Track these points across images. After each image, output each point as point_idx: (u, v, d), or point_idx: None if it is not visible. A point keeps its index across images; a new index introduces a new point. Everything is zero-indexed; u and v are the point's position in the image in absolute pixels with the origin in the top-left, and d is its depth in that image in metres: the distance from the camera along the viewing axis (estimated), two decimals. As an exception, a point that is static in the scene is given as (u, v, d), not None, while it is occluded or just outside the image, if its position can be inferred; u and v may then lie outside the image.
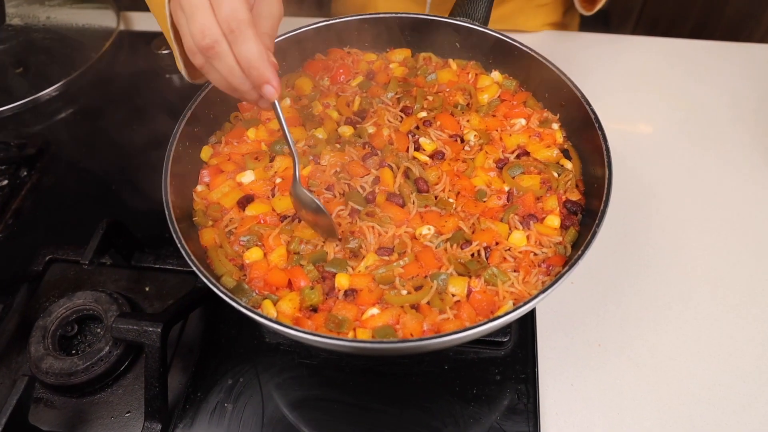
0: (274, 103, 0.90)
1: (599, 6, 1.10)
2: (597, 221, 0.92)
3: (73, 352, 1.14)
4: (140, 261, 1.27)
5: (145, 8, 1.87)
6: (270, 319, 0.84)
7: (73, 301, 1.17)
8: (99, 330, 1.18)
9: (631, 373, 1.07)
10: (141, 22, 1.88)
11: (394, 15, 1.26)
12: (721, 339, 1.10)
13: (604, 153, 0.99)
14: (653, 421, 1.02)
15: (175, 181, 1.02)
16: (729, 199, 1.32)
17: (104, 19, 1.84)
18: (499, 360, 1.11)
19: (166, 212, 0.96)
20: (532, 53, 1.18)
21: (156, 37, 1.72)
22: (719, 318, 1.13)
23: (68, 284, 1.26)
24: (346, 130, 1.17)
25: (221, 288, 0.86)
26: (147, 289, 1.25)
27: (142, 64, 1.74)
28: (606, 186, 0.95)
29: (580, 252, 0.89)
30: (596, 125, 1.04)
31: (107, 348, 1.11)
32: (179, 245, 0.92)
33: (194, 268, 0.90)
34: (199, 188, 1.11)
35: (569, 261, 0.96)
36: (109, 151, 1.53)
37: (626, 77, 1.60)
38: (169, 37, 0.99)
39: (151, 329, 1.04)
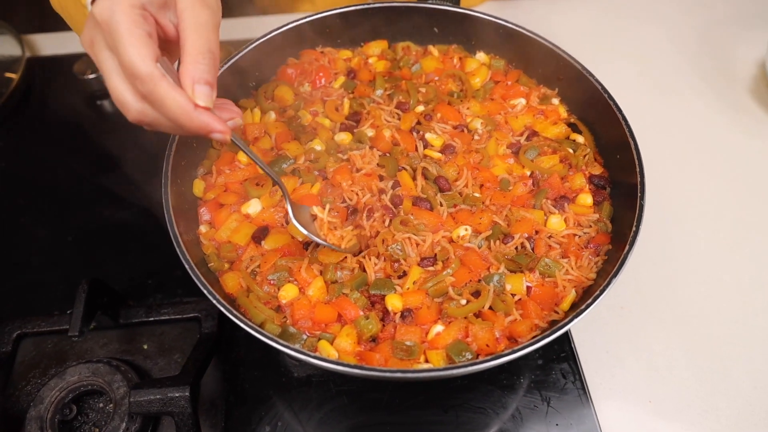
0: (232, 140, 0.79)
1: None
2: (639, 194, 0.91)
3: (80, 437, 1.00)
4: (129, 317, 1.12)
5: (52, 27, 1.68)
6: (339, 363, 0.76)
7: (66, 380, 1.02)
8: (102, 405, 1.04)
9: (657, 328, 1.09)
10: (50, 44, 1.65)
11: (363, 6, 1.17)
12: (733, 280, 1.15)
13: (624, 127, 0.98)
14: (688, 369, 1.05)
15: (180, 226, 0.90)
16: (698, 140, 1.38)
17: (4, 47, 1.60)
18: (536, 343, 1.09)
19: (186, 264, 0.84)
20: (515, 28, 1.14)
21: (77, 60, 1.51)
22: (730, 260, 1.18)
23: (49, 360, 1.10)
24: (344, 138, 1.08)
25: (279, 341, 0.77)
26: (145, 347, 1.11)
27: (66, 92, 1.53)
28: (636, 160, 0.94)
29: (634, 229, 0.88)
30: (605, 95, 1.03)
31: (124, 425, 0.98)
32: (215, 300, 0.81)
33: (242, 324, 0.80)
34: (202, 229, 0.98)
35: (616, 238, 0.95)
36: (54, 198, 1.34)
37: (572, 37, 1.61)
38: None
39: (178, 395, 0.92)
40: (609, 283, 0.83)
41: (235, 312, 0.80)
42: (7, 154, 1.43)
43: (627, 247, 0.86)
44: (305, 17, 1.15)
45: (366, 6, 1.17)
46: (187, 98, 0.68)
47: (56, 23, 1.72)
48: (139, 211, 1.26)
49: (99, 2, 0.67)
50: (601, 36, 1.61)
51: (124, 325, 1.12)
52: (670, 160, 1.32)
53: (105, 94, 1.52)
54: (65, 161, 1.39)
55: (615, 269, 0.83)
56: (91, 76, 1.50)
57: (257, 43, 1.12)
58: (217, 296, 0.81)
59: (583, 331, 1.09)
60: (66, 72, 1.51)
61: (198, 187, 1.02)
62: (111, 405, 1.00)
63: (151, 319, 1.12)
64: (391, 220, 0.97)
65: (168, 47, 0.75)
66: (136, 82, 0.67)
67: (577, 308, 0.83)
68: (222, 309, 0.80)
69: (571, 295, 0.90)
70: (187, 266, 0.84)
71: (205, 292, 0.82)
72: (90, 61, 1.52)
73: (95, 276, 1.07)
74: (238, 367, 1.08)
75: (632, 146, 0.97)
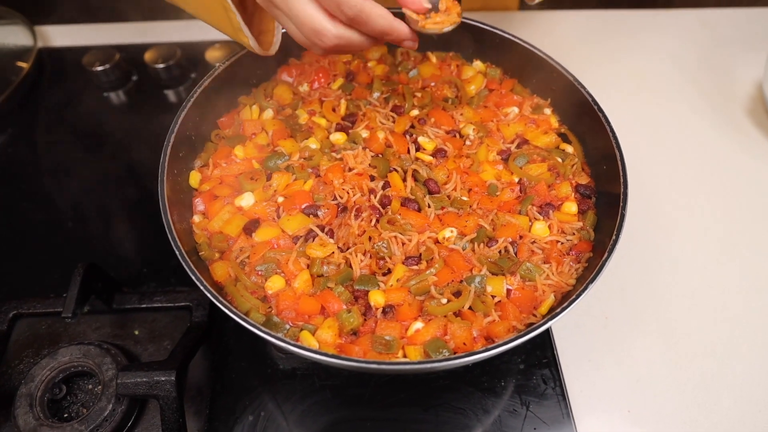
0: None
1: None
2: (621, 204, 0.93)
3: (65, 415, 1.02)
4: (122, 303, 1.15)
5: (63, 20, 1.73)
6: (319, 352, 0.78)
7: (57, 360, 1.05)
8: (91, 386, 1.06)
9: (640, 339, 1.11)
10: (61, 36, 1.69)
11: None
12: (719, 294, 1.16)
13: (611, 138, 1.01)
14: (669, 380, 1.06)
15: (174, 215, 0.93)
16: (694, 156, 1.39)
17: (17, 37, 1.64)
18: (520, 348, 1.11)
19: (177, 252, 0.87)
20: (513, 39, 1.17)
21: (87, 52, 1.55)
22: (716, 274, 1.19)
23: (42, 341, 1.13)
24: (339, 138, 1.11)
25: (262, 328, 0.79)
26: (136, 332, 1.14)
27: (74, 83, 1.57)
28: (621, 171, 0.97)
29: (614, 237, 0.90)
30: (595, 107, 1.06)
31: (110, 406, 1.00)
32: (202, 286, 0.84)
33: (226, 311, 0.82)
34: (196, 219, 1.01)
35: (597, 246, 0.97)
36: (57, 185, 1.38)
37: (568, 52, 1.63)
38: (224, 20, 0.92)
39: (164, 378, 0.95)
40: (585, 288, 0.85)
41: (221, 299, 0.82)
42: (14, 140, 1.47)
43: (606, 254, 0.88)
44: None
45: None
46: (385, 9, 0.77)
47: (69, 15, 1.77)
48: (141, 200, 1.30)
49: None
50: (601, 49, 1.63)
51: (117, 311, 1.15)
52: (661, 173, 1.34)
53: (112, 86, 1.57)
54: (69, 150, 1.43)
55: (592, 275, 0.85)
56: (100, 69, 1.54)
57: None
58: (206, 283, 0.83)
59: (566, 338, 1.11)
60: (76, 63, 1.55)
61: (194, 178, 1.05)
62: (99, 387, 1.03)
63: (144, 306, 1.14)
64: (378, 220, 0.99)
65: None
66: (343, 8, 0.74)
67: (554, 311, 0.85)
68: (209, 295, 0.83)
69: (549, 300, 0.92)
70: (178, 253, 0.87)
71: (193, 278, 0.84)
72: (99, 54, 1.56)
73: (94, 259, 1.10)
74: (226, 356, 1.10)
75: (618, 157, 0.99)
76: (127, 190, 1.33)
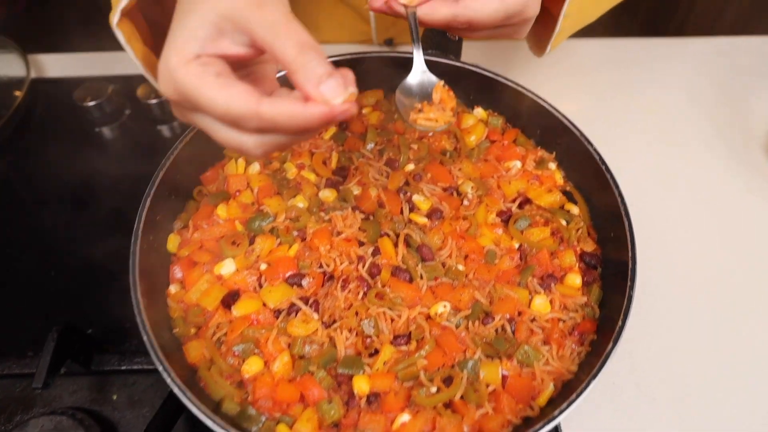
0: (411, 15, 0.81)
1: (549, 48, 1.03)
2: (630, 283, 0.86)
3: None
4: (101, 364, 1.10)
5: (58, 49, 1.68)
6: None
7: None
8: (64, 462, 1.01)
9: (650, 407, 1.02)
10: (55, 66, 1.64)
11: (360, 55, 1.13)
12: (740, 364, 1.08)
13: (620, 205, 0.93)
14: None
15: (145, 289, 0.87)
16: (708, 202, 1.30)
17: (9, 66, 1.59)
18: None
19: (144, 336, 0.82)
20: (517, 87, 1.09)
21: (78, 86, 1.50)
22: (734, 332, 1.11)
23: (16, 406, 1.07)
24: (329, 195, 1.04)
25: (224, 426, 0.73)
26: (114, 397, 1.08)
27: (66, 117, 1.52)
28: (629, 244, 0.89)
29: (620, 324, 0.82)
30: (603, 167, 0.97)
31: (82, 485, 0.95)
32: (166, 377, 0.78)
33: (193, 408, 0.76)
34: (172, 289, 0.95)
35: (603, 326, 0.90)
36: (40, 230, 1.32)
37: (578, 82, 1.55)
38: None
39: (137, 460, 0.89)
40: (588, 384, 0.77)
41: (188, 393, 0.76)
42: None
43: (611, 344, 0.80)
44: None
45: (363, 55, 1.13)
46: (292, 104, 0.59)
47: (63, 43, 1.72)
48: (126, 248, 1.24)
49: (160, 80, 0.62)
50: (611, 81, 1.54)
51: (95, 372, 1.09)
52: (674, 218, 1.25)
53: (104, 121, 1.51)
54: (56, 191, 1.38)
55: (595, 370, 0.78)
56: (91, 104, 1.49)
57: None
58: (172, 374, 0.78)
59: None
60: (68, 97, 1.50)
61: (173, 242, 0.99)
62: (71, 464, 0.97)
63: (123, 367, 1.09)
64: (366, 293, 0.92)
65: (255, 65, 0.71)
66: (240, 123, 0.62)
67: (553, 404, 0.77)
68: (176, 390, 0.77)
69: (548, 390, 0.85)
70: (144, 337, 0.81)
71: (160, 368, 0.79)
72: (91, 88, 1.51)
73: (74, 314, 1.06)
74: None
75: (626, 227, 0.91)
76: (112, 239, 1.26)
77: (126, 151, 1.48)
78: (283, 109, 0.58)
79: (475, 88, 1.15)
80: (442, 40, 1.15)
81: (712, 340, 1.10)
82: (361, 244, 0.98)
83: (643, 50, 1.63)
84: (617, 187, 0.95)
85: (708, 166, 1.36)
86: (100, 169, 1.42)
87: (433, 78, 0.88)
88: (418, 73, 0.88)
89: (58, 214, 1.34)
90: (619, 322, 0.82)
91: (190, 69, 0.59)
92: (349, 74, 0.60)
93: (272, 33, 0.59)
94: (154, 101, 1.48)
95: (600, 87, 1.54)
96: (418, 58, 0.88)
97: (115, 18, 0.75)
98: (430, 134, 0.84)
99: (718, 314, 1.13)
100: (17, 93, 1.52)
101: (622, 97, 1.51)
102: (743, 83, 1.55)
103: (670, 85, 1.54)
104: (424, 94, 0.86)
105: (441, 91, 0.84)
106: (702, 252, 1.21)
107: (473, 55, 1.49)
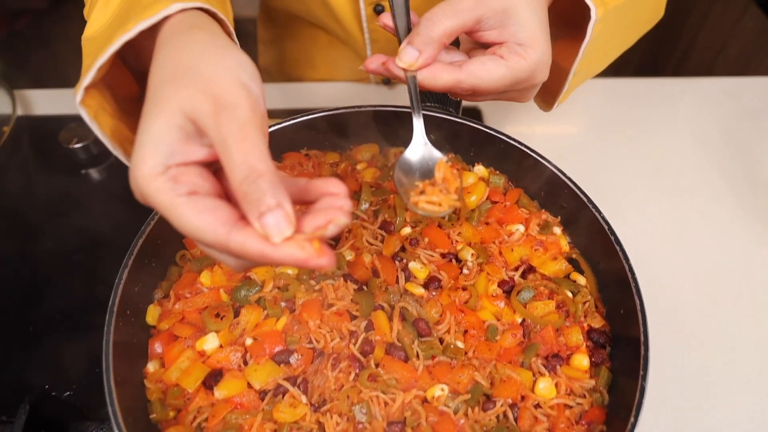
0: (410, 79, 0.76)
1: (558, 103, 0.99)
2: (642, 372, 0.79)
3: None
4: (78, 432, 1.03)
5: (47, 84, 1.63)
6: None
7: None
8: None
9: None
10: (43, 103, 1.59)
11: (355, 110, 1.07)
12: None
13: (631, 282, 0.87)
14: None
15: (120, 371, 0.81)
16: (717, 257, 1.25)
17: (-6, 103, 1.54)
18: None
19: (116, 429, 0.75)
20: (522, 148, 1.03)
21: (64, 128, 1.45)
22: (754, 401, 1.04)
23: (-11, 477, 1.01)
24: (320, 260, 0.98)
25: None
26: (92, 468, 1.02)
27: (51, 158, 1.47)
28: (641, 326, 0.83)
29: (632, 420, 0.76)
30: (612, 238, 0.92)
31: None
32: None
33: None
34: (150, 367, 0.89)
35: (612, 415, 0.83)
36: (20, 284, 1.26)
37: (580, 128, 1.50)
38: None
39: None
40: (597, 490, 0.71)
41: (162, 498, 0.70)
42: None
43: (622, 442, 0.74)
44: (290, 119, 1.05)
45: (358, 109, 1.08)
46: (262, 244, 0.53)
47: (50, 80, 1.68)
48: (102, 302, 1.18)
49: (132, 186, 0.57)
50: (615, 123, 1.51)
51: (71, 442, 1.03)
52: (684, 275, 1.20)
53: (92, 163, 1.46)
54: (37, 239, 1.32)
55: (604, 475, 0.72)
56: (77, 146, 1.43)
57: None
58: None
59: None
60: (53, 136, 1.45)
61: (152, 314, 0.93)
62: None
63: (101, 436, 1.02)
64: (358, 374, 0.86)
65: None
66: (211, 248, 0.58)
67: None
68: (148, 492, 0.71)
69: (554, 489, 0.78)
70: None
71: (132, 470, 0.72)
72: (76, 129, 1.45)
73: (54, 374, 1.03)
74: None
75: (638, 307, 0.85)
76: (94, 293, 1.21)
77: (113, 197, 1.42)
78: (254, 246, 0.52)
79: (476, 144, 1.10)
80: (440, 93, 1.10)
81: (726, 398, 1.04)
82: (353, 317, 0.92)
83: (646, 91, 1.59)
84: (627, 260, 0.89)
85: (717, 218, 1.31)
86: (85, 215, 1.37)
87: (435, 153, 0.81)
88: (419, 146, 0.82)
89: (39, 265, 1.28)
90: (632, 418, 0.75)
91: (158, 185, 0.53)
92: (324, 190, 0.58)
93: (223, 150, 0.53)
94: (142, 144, 1.42)
95: (603, 132, 1.49)
96: (419, 127, 0.82)
97: (78, 95, 0.69)
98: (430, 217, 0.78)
99: (730, 375, 1.07)
100: (5, 129, 1.47)
101: (626, 142, 1.46)
102: (754, 128, 1.50)
103: (674, 130, 1.50)
104: (426, 171, 0.80)
105: (444, 168, 0.77)
106: (713, 308, 1.16)
107: (473, 104, 1.44)
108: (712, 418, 1.04)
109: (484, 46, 0.81)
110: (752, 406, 1.05)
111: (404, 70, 0.76)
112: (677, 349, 1.11)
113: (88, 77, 0.68)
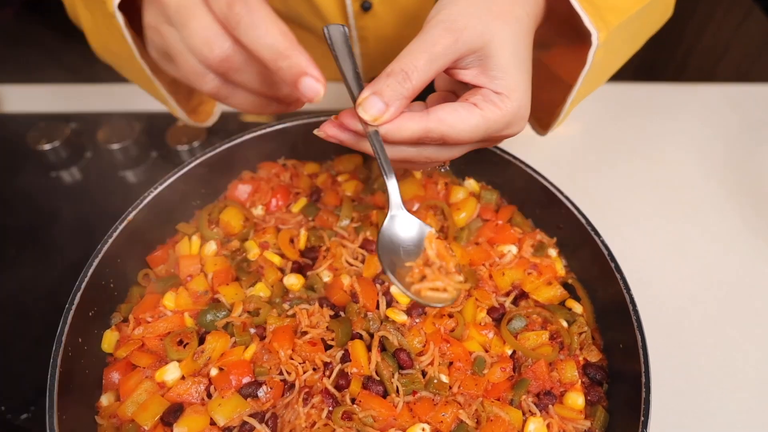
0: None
1: (555, 126, 0.91)
2: (643, 417, 0.72)
3: None
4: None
5: (19, 79, 1.55)
6: None
7: None
8: None
9: None
10: (14, 99, 1.50)
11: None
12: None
13: (632, 316, 0.79)
14: None
15: (67, 410, 0.73)
16: (717, 269, 1.18)
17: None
18: None
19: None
20: (514, 161, 0.96)
21: (31, 128, 1.37)
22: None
23: None
24: (295, 282, 0.91)
25: None
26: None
27: (19, 159, 1.38)
28: (643, 370, 0.75)
29: (631, 474, 0.68)
30: (615, 272, 0.84)
31: None
32: None
33: None
34: (104, 400, 0.81)
35: (608, 464, 0.76)
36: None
37: (577, 138, 1.43)
38: (154, 87, 0.88)
39: None
40: None
41: None
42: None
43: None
44: (265, 127, 0.97)
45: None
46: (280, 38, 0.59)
47: (23, 74, 1.59)
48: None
49: None
50: (617, 130, 1.44)
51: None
52: (685, 293, 1.13)
53: (62, 164, 1.38)
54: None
55: None
56: (47, 147, 1.35)
57: (209, 154, 0.96)
58: None
59: None
60: (23, 135, 1.37)
61: (109, 340, 0.85)
62: None
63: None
64: (331, 411, 0.78)
65: None
66: (229, 14, 0.60)
67: None
68: None
69: None
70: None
71: None
72: (45, 131, 1.37)
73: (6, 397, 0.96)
74: None
75: (639, 344, 0.77)
76: (53, 303, 1.13)
77: (84, 200, 1.34)
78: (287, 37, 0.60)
79: (467, 157, 1.01)
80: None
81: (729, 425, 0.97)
82: (328, 347, 0.84)
83: (648, 97, 1.52)
84: (628, 290, 0.82)
85: (717, 232, 1.24)
86: (53, 219, 1.29)
87: (413, 219, 0.71)
88: (397, 211, 0.71)
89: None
90: (631, 471, 0.68)
91: None
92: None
93: None
94: (115, 146, 1.35)
95: (601, 139, 1.42)
96: (393, 191, 0.70)
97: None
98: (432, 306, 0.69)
99: (732, 400, 1.00)
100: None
101: (628, 150, 1.39)
102: (757, 137, 1.43)
103: (678, 138, 1.42)
104: (410, 242, 0.70)
105: (436, 244, 0.68)
106: (714, 329, 1.09)
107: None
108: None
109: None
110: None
111: (365, 124, 0.66)
112: (678, 379, 1.03)
113: None
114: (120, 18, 0.78)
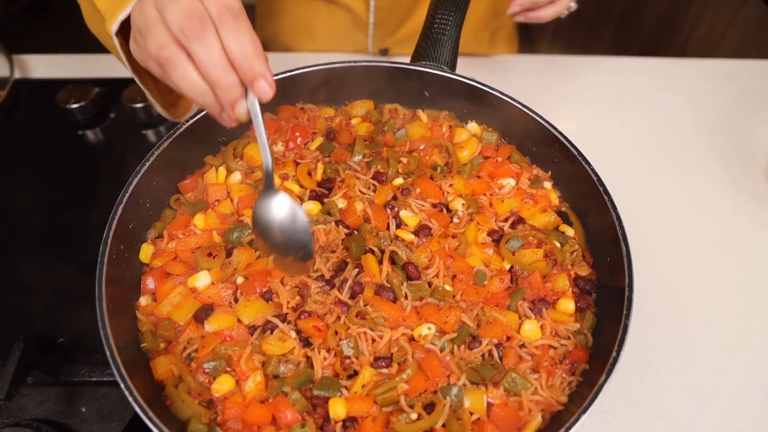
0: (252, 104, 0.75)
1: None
2: (625, 312, 0.81)
3: None
4: (71, 375, 1.03)
5: (44, 49, 1.65)
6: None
7: (-12, 444, 0.94)
8: (25, 476, 0.95)
9: None
10: (40, 67, 1.60)
11: (351, 64, 1.09)
12: (733, 391, 1.03)
13: (618, 228, 0.88)
14: None
15: (112, 300, 0.82)
16: (708, 229, 1.26)
17: (-7, 66, 1.55)
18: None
19: (107, 351, 0.76)
20: (514, 103, 1.05)
21: (61, 88, 1.46)
22: (731, 365, 1.06)
23: (-21, 416, 1.02)
24: (313, 207, 1.00)
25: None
26: (83, 409, 1.03)
27: (47, 120, 1.48)
28: (627, 272, 0.84)
29: (614, 354, 0.77)
30: (600, 188, 0.93)
31: (41, 503, 0.89)
32: (128, 394, 0.73)
33: (150, 424, 0.71)
34: (143, 301, 0.90)
35: (595, 355, 0.85)
36: (14, 237, 1.27)
37: (578, 100, 1.52)
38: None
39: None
40: (577, 419, 0.73)
41: (149, 413, 0.71)
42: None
43: (603, 376, 0.76)
44: (286, 72, 1.07)
45: (354, 64, 1.09)
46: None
47: (48, 45, 1.69)
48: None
49: None
50: (612, 100, 1.52)
51: (64, 383, 1.03)
52: (672, 247, 1.21)
53: (88, 124, 1.47)
54: (33, 195, 1.33)
55: (586, 404, 0.73)
56: (75, 106, 1.45)
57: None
58: (134, 392, 0.72)
59: None
60: (51, 98, 1.46)
61: (145, 252, 0.94)
62: (31, 479, 0.92)
63: (94, 379, 1.03)
64: (344, 315, 0.87)
65: None
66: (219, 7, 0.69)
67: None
68: (137, 408, 0.72)
69: (536, 421, 0.79)
70: (108, 352, 0.76)
71: (122, 385, 0.74)
72: (75, 90, 1.47)
73: (46, 322, 1.04)
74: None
75: (624, 252, 0.86)
76: (89, 246, 1.22)
77: (109, 155, 1.44)
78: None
79: (470, 102, 1.11)
80: (434, 51, 1.11)
81: (709, 372, 1.05)
82: (344, 264, 0.93)
83: (644, 70, 1.60)
84: (615, 210, 0.91)
85: (708, 192, 1.33)
86: (81, 173, 1.39)
87: (286, 201, 0.79)
88: (272, 196, 0.79)
89: (33, 220, 1.29)
90: (614, 353, 0.77)
91: None
92: None
93: None
94: (139, 105, 1.44)
95: (600, 105, 1.51)
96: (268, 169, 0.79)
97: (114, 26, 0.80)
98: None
99: (716, 346, 1.08)
100: (1, 93, 1.48)
101: (623, 115, 1.48)
102: (748, 109, 1.52)
103: (672, 106, 1.51)
104: (287, 223, 0.78)
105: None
106: (701, 281, 1.17)
107: (468, 70, 1.46)
108: (689, 375, 1.05)
109: None
110: (732, 350, 1.07)
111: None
112: (660, 312, 1.12)
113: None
114: (115, 40, 0.85)
